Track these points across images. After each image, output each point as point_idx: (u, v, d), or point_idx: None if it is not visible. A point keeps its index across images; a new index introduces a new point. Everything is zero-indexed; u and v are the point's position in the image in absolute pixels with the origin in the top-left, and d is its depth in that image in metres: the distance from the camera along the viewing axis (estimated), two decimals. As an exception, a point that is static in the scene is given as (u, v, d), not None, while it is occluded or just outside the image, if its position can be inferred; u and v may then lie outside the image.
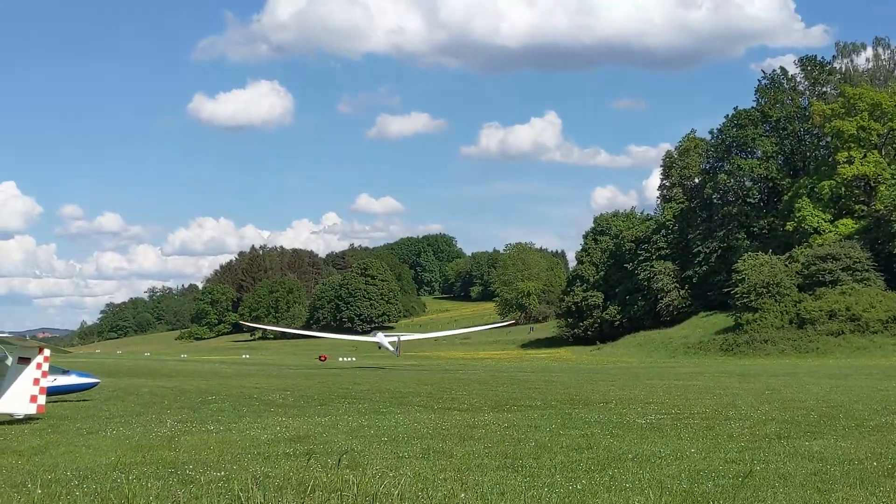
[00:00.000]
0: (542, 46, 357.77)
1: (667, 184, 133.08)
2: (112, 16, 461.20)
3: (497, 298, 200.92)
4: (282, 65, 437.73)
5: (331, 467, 13.44)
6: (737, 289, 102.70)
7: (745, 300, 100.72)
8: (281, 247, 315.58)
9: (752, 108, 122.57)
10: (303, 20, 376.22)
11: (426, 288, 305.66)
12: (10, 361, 26.22)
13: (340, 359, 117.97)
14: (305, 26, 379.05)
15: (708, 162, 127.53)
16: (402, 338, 63.02)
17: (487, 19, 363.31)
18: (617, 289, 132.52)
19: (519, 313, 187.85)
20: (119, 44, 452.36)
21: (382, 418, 23.46)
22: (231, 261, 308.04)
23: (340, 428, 20.73)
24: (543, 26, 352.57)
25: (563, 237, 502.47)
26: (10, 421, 25.19)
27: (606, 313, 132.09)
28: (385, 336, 58.97)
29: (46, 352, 25.46)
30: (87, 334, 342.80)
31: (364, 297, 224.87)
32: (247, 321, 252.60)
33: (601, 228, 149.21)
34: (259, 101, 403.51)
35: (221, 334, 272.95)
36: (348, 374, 59.92)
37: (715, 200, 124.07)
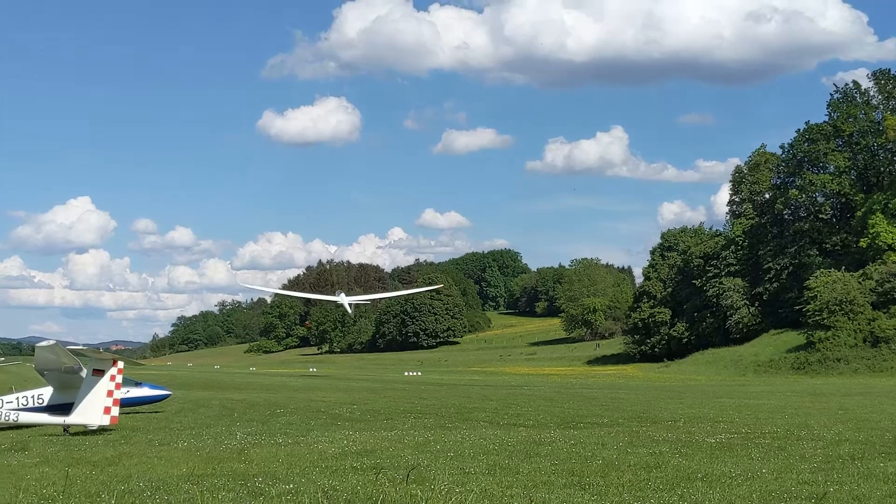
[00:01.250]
0: (609, 61, 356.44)
1: (736, 199, 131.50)
2: (184, 35, 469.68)
3: (562, 314, 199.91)
4: (349, 82, 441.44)
5: (399, 482, 13.50)
6: (809, 306, 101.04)
7: (817, 318, 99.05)
8: (347, 261, 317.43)
9: (825, 122, 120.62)
10: (370, 38, 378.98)
11: (491, 303, 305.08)
12: (84, 373, 26.75)
13: (406, 373, 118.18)
14: (372, 44, 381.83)
15: (779, 177, 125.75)
16: (356, 300, 63.47)
17: (553, 35, 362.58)
18: (685, 305, 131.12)
19: (585, 330, 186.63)
20: (191, 62, 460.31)
21: (448, 433, 23.46)
22: (299, 275, 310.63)
23: (407, 443, 20.78)
24: (610, 41, 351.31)
25: (630, 253, 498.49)
26: (84, 432, 25.65)
27: (674, 330, 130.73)
28: (346, 298, 59.56)
29: (120, 364, 25.88)
30: (158, 347, 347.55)
31: (429, 311, 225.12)
32: (314, 334, 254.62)
33: (669, 244, 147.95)
34: (327, 118, 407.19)
35: (289, 347, 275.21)
36: (414, 389, 60.01)
37: (786, 216, 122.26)
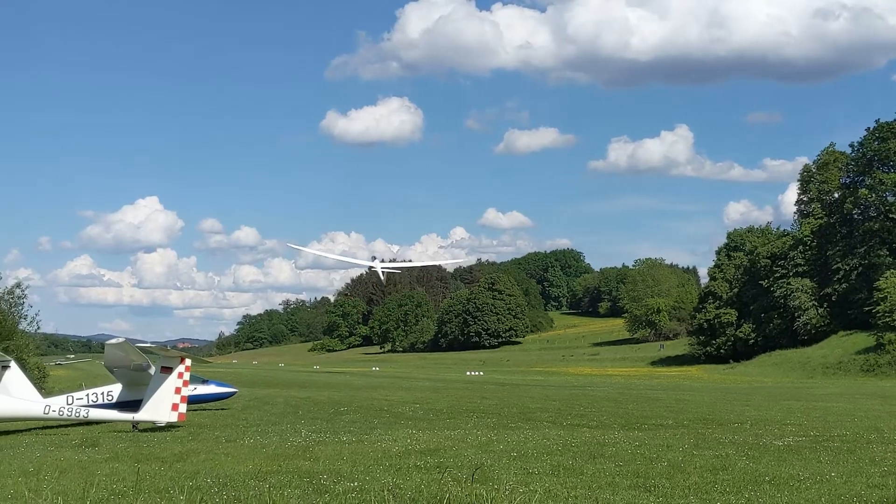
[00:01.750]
0: (673, 59, 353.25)
1: (804, 198, 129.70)
2: (249, 36, 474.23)
3: (626, 315, 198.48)
4: (412, 82, 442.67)
5: (463, 481, 13.53)
6: (878, 307, 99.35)
7: (887, 319, 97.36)
8: (409, 261, 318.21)
9: (895, 120, 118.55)
10: (432, 38, 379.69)
11: (553, 303, 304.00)
12: (153, 371, 27.17)
13: (468, 373, 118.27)
14: (435, 44, 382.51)
15: (848, 176, 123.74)
16: (389, 267, 62.99)
17: (617, 34, 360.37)
18: (751, 306, 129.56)
19: (649, 330, 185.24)
20: (256, 63, 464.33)
21: (511, 433, 23.45)
22: (361, 274, 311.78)
23: (469, 442, 20.81)
24: (675, 39, 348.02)
25: (695, 253, 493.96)
26: (153, 428, 26.05)
27: (740, 331, 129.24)
28: (380, 264, 59.25)
29: (188, 362, 26.24)
30: (224, 345, 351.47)
31: (491, 311, 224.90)
32: (376, 333, 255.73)
33: (735, 244, 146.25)
34: (389, 118, 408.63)
35: (352, 346, 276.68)
36: (476, 389, 60.05)
37: (855, 216, 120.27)
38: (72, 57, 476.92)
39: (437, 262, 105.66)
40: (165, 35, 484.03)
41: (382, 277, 62.07)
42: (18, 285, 62.40)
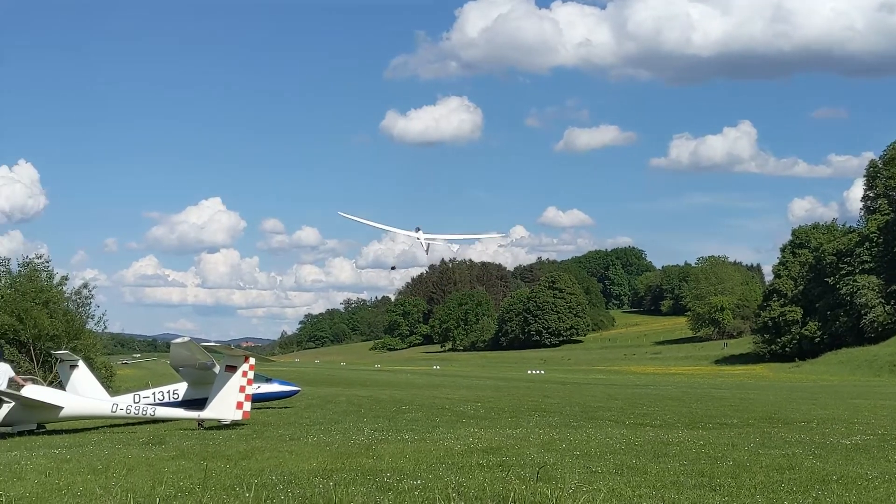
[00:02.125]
0: (736, 55, 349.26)
1: (871, 194, 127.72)
2: (308, 37, 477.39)
3: (689, 313, 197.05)
4: (471, 81, 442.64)
5: (527, 480, 13.53)
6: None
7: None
8: (470, 260, 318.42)
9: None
10: (491, 37, 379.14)
11: (615, 301, 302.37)
12: (217, 369, 27.47)
13: (529, 371, 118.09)
14: (494, 43, 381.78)
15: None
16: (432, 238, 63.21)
17: (678, 30, 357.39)
18: (817, 304, 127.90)
19: (712, 329, 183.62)
20: (315, 64, 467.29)
21: (574, 432, 23.37)
22: (422, 273, 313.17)
23: (532, 441, 20.77)
24: (738, 35, 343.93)
25: (759, 250, 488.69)
26: (218, 426, 26.34)
27: (806, 329, 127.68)
28: (423, 235, 59.09)
29: (251, 360, 26.49)
30: (286, 344, 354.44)
31: (552, 310, 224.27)
32: (437, 332, 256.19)
33: (800, 241, 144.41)
34: (449, 117, 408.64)
35: (413, 345, 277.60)
36: (537, 388, 59.93)
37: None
38: (134, 60, 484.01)
39: (478, 236, 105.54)
40: (226, 36, 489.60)
41: (425, 247, 62.03)
42: (85, 286, 63.34)
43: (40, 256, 60.30)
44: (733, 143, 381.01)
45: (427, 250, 49.21)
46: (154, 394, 31.89)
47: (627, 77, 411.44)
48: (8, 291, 57.07)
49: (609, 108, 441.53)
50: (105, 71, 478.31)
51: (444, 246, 66.48)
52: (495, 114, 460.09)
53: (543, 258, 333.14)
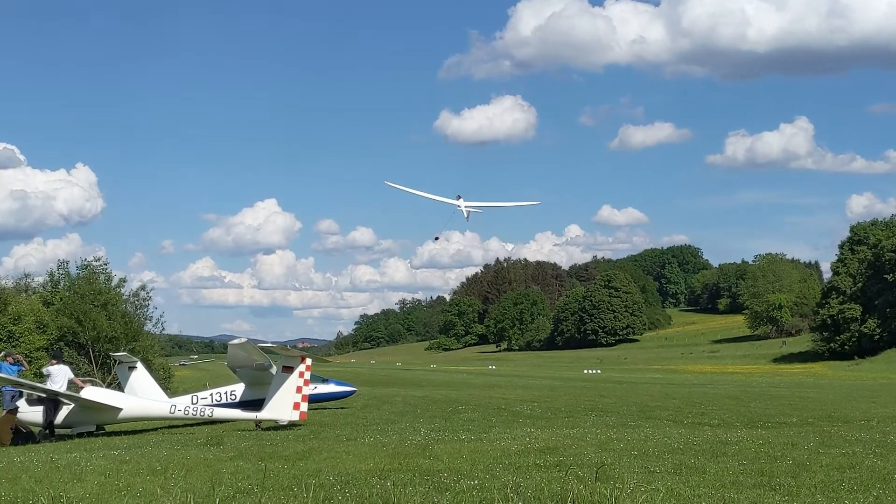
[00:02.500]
0: (792, 51, 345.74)
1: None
2: (363, 39, 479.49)
3: (746, 311, 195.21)
4: (524, 80, 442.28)
5: (585, 480, 13.46)
6: None
7: None
8: (525, 259, 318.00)
9: None
10: (545, 35, 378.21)
11: (671, 300, 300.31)
12: (274, 370, 27.68)
13: (585, 371, 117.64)
14: (547, 41, 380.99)
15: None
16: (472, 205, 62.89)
17: (733, 26, 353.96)
18: (876, 301, 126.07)
19: (770, 327, 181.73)
20: (370, 66, 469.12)
21: (631, 432, 23.23)
22: (477, 273, 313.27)
23: (589, 440, 20.67)
24: (793, 30, 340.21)
25: (817, 247, 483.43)
26: (275, 427, 26.53)
27: (865, 327, 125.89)
28: (464, 203, 58.91)
29: (308, 361, 26.65)
30: (342, 344, 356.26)
31: (608, 309, 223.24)
32: (492, 332, 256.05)
33: (858, 238, 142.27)
34: (503, 116, 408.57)
35: (468, 345, 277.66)
36: (594, 387, 59.67)
37: None
38: (190, 66, 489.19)
39: (516, 203, 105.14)
40: (280, 38, 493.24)
41: (465, 215, 62.02)
42: (143, 288, 64.29)
43: (98, 259, 61.29)
44: (790, 139, 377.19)
45: (468, 217, 49.81)
46: (212, 395, 32.20)
47: (682, 74, 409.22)
48: (67, 294, 58.02)
49: (664, 105, 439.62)
50: (162, 76, 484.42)
51: (482, 211, 66.22)
52: (549, 112, 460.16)
53: (599, 257, 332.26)
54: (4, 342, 48.00)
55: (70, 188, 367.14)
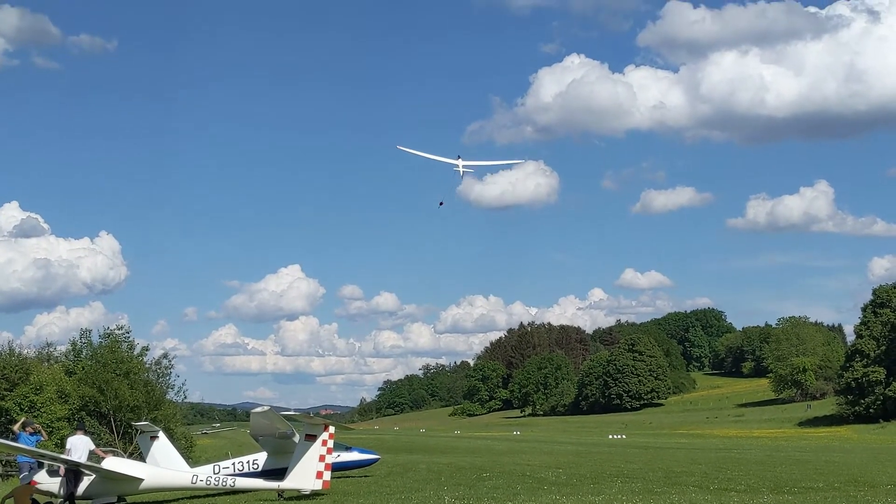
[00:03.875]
0: (811, 115, 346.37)
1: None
2: (386, 106, 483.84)
3: (770, 374, 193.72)
4: (546, 145, 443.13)
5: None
6: None
7: None
8: (549, 323, 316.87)
9: None
10: (565, 102, 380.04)
11: (695, 363, 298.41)
12: (297, 438, 27.60)
13: (610, 436, 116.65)
14: (569, 107, 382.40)
15: None
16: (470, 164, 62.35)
17: (752, 91, 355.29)
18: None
19: (795, 390, 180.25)
20: (393, 132, 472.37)
21: (657, 498, 23.00)
22: (500, 338, 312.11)
23: (615, 508, 20.47)
24: (811, 95, 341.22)
25: (839, 310, 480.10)
26: (298, 496, 26.39)
27: (890, 390, 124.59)
28: (462, 162, 58.75)
29: (331, 429, 26.58)
30: (366, 411, 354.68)
31: (632, 373, 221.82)
32: (516, 397, 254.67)
33: (881, 300, 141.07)
34: (525, 181, 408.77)
35: (492, 410, 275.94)
36: (619, 452, 59.14)
37: None
38: (211, 132, 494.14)
39: (509, 162, 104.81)
40: (301, 104, 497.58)
41: (461, 175, 62.22)
42: (165, 356, 64.52)
43: (121, 327, 61.59)
44: (810, 202, 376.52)
45: (462, 175, 50.98)
46: (234, 464, 32.09)
47: (702, 138, 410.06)
48: (89, 363, 58.24)
49: (685, 169, 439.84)
50: (184, 145, 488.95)
51: (477, 169, 66.17)
52: (571, 177, 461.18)
53: (622, 320, 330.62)
54: (26, 412, 48.13)
55: (94, 256, 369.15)
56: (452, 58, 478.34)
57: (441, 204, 54.57)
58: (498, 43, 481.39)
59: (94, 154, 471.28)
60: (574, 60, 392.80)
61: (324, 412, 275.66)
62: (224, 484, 27.29)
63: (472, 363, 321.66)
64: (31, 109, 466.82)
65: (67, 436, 29.10)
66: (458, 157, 47.39)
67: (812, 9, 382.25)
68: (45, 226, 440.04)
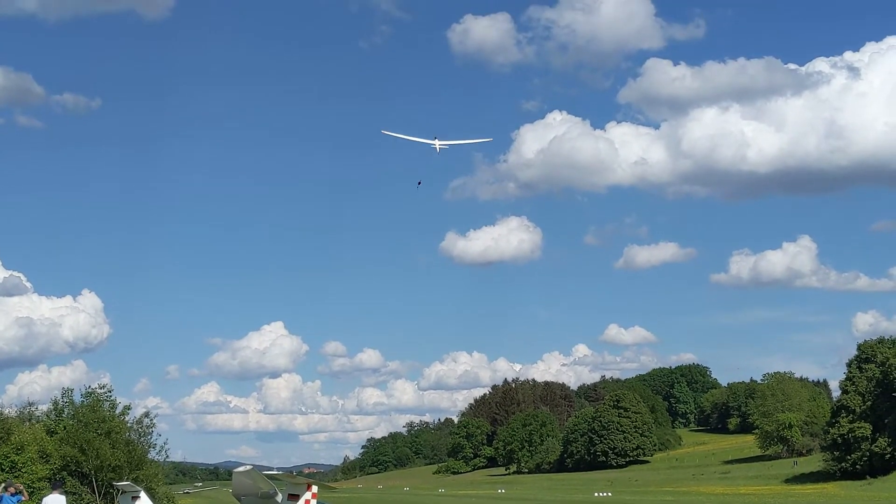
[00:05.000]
0: (792, 171, 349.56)
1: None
2: (368, 165, 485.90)
3: (756, 431, 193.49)
4: (529, 201, 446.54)
5: None
6: None
7: None
8: (533, 379, 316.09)
9: None
10: (547, 158, 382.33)
11: (681, 420, 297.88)
12: (279, 498, 27.47)
13: (596, 493, 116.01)
14: (550, 164, 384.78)
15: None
16: (445, 143, 63.00)
17: (733, 147, 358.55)
18: (886, 419, 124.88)
19: (781, 446, 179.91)
20: (376, 187, 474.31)
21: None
22: (485, 394, 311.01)
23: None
24: (793, 151, 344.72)
25: (824, 365, 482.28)
26: (279, 557, 26.17)
27: (876, 446, 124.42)
28: (438, 142, 60.24)
29: (314, 488, 26.50)
30: (349, 469, 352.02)
31: (617, 429, 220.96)
32: (501, 454, 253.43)
33: (866, 355, 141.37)
34: (508, 237, 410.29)
35: (477, 468, 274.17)
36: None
37: None
38: (193, 192, 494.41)
39: (480, 140, 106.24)
40: (283, 163, 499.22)
41: (437, 149, 62.97)
42: (147, 415, 64.19)
43: (103, 386, 61.29)
44: (793, 257, 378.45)
45: (438, 150, 53.24)
46: (216, 524, 31.86)
47: (684, 194, 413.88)
48: (71, 423, 57.85)
49: (668, 224, 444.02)
50: (166, 203, 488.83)
51: (448, 147, 67.45)
52: (555, 232, 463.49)
53: (607, 376, 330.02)
54: (7, 472, 47.64)
55: (76, 315, 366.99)
56: (434, 114, 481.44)
57: (419, 184, 59.46)
58: (480, 100, 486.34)
59: (76, 211, 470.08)
60: (556, 117, 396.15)
61: (307, 471, 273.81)
62: (205, 545, 27.09)
63: (456, 420, 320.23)
64: (13, 167, 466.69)
65: (44, 496, 28.86)
66: (435, 138, 49.74)
67: (792, 65, 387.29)
68: (28, 284, 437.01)
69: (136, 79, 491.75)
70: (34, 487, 46.22)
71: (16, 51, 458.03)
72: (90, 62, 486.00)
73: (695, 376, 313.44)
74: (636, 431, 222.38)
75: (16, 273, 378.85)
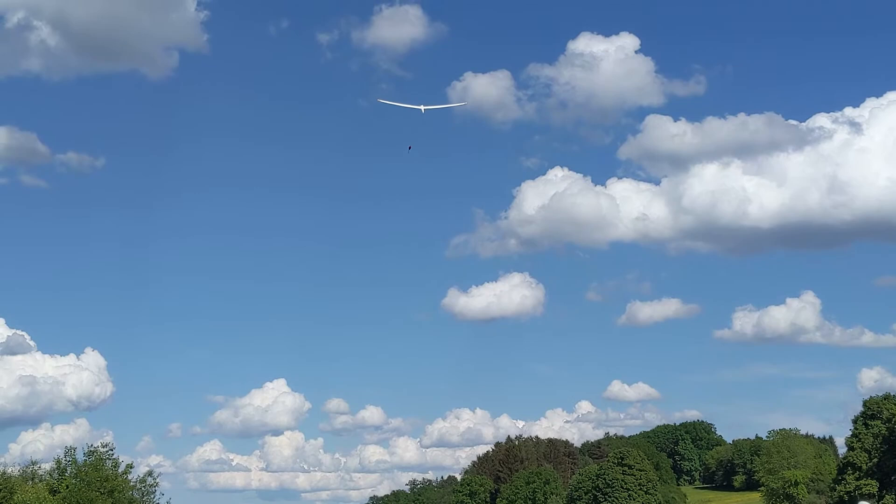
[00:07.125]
0: (795, 226, 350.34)
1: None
2: (369, 218, 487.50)
3: (762, 488, 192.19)
4: (531, 257, 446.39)
5: None
6: None
7: None
8: (536, 437, 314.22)
9: None
10: (549, 214, 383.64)
11: (686, 477, 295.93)
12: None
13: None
14: (552, 220, 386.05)
15: None
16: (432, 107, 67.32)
17: (735, 203, 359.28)
18: (893, 476, 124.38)
19: (786, 503, 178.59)
20: (377, 244, 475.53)
21: None
22: (488, 451, 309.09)
23: None
24: (795, 206, 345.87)
25: (829, 422, 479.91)
26: None
27: (883, 503, 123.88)
28: (425, 108, 64.88)
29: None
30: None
31: (622, 487, 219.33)
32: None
33: (872, 412, 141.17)
34: (510, 294, 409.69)
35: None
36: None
37: None
38: (195, 247, 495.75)
39: (460, 104, 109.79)
40: (283, 219, 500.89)
41: (423, 111, 65.20)
42: (150, 474, 64.19)
43: (105, 445, 61.44)
44: (797, 313, 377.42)
45: (423, 112, 57.07)
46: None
47: (686, 250, 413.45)
48: (73, 482, 57.85)
49: (670, 280, 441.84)
50: (167, 260, 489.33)
51: (439, 111, 73.56)
52: (557, 289, 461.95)
53: (611, 433, 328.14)
54: (10, 532, 47.63)
55: (79, 373, 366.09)
56: (435, 173, 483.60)
57: (409, 148, 63.32)
58: (480, 157, 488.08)
59: (80, 270, 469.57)
60: (557, 173, 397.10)
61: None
62: None
63: (459, 478, 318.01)
64: (17, 227, 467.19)
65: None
66: (421, 105, 54.43)
67: (793, 121, 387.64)
68: (32, 343, 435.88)
69: (140, 138, 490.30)
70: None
71: (21, 110, 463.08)
72: (94, 121, 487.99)
73: (699, 433, 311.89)
74: (641, 489, 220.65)
75: (20, 332, 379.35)
